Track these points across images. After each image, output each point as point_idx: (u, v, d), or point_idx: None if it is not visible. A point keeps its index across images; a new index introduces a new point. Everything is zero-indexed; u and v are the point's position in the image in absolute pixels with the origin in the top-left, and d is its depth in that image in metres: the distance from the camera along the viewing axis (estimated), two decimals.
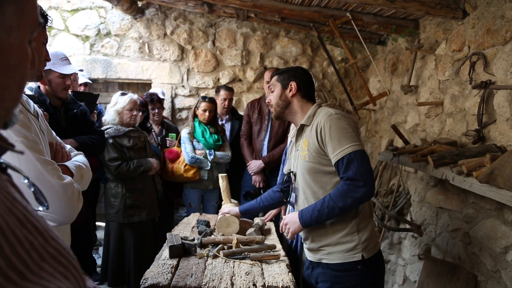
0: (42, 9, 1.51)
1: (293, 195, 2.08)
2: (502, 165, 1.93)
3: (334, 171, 1.85)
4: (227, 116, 4.24)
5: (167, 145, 3.97)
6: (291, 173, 2.06)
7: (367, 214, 1.93)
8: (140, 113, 3.31)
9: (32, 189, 0.65)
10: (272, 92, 2.08)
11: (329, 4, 3.76)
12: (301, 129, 2.02)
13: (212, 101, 3.82)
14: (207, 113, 3.75)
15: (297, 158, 2.01)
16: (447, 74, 3.15)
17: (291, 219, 1.94)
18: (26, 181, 0.62)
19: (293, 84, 2.01)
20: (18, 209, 0.46)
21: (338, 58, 4.90)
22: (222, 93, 4.11)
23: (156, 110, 3.95)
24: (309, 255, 2.03)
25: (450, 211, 2.90)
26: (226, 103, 4.12)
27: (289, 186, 2.17)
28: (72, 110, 2.70)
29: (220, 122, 4.19)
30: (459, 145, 2.85)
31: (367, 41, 4.36)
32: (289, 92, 2.01)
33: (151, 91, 4.29)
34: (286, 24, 4.57)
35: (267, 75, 3.76)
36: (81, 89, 3.88)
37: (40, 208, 0.67)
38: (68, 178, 1.35)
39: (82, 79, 3.93)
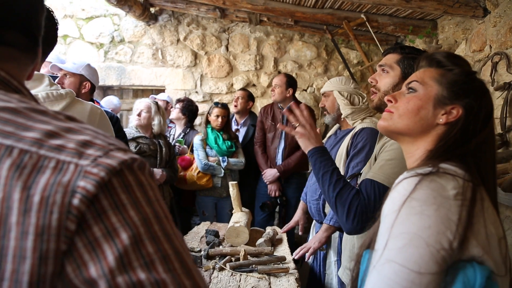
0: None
1: None
2: None
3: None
4: (243, 121, 4.16)
5: (176, 151, 3.93)
6: (359, 175, 1.82)
7: None
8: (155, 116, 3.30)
9: None
10: (384, 72, 1.57)
11: (343, 6, 3.67)
12: (382, 135, 1.66)
13: (224, 107, 3.74)
14: (219, 119, 3.68)
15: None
16: None
17: (311, 138, 1.57)
18: None
19: None
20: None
21: (354, 61, 4.78)
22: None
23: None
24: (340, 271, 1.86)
25: None
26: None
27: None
28: None
29: (236, 127, 4.13)
30: None
31: (383, 43, 4.24)
32: None
33: (157, 96, 4.35)
34: (300, 27, 4.49)
35: (276, 79, 3.66)
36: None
37: None
38: None
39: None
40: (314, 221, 2.62)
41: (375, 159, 1.52)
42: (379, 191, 1.38)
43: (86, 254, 0.43)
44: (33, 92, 1.33)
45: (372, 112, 2.37)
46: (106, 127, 1.49)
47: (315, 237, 2.23)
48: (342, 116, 2.41)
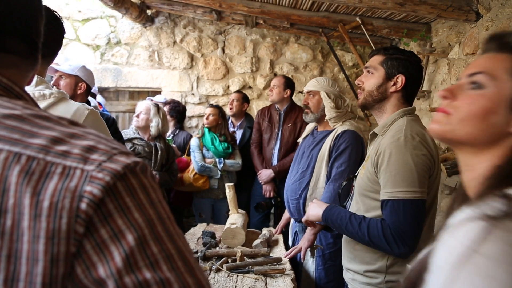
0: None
1: (349, 201, 1.87)
2: None
3: None
4: (239, 123, 4.18)
5: None
6: (354, 178, 1.83)
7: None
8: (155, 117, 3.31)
9: None
10: (369, 73, 1.61)
11: (338, 9, 3.70)
12: (373, 137, 1.67)
13: (215, 106, 3.79)
14: (206, 116, 3.71)
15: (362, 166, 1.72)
16: None
17: (315, 206, 1.74)
18: None
19: (400, 78, 1.54)
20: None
21: (350, 64, 4.82)
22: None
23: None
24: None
25: None
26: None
27: (348, 189, 1.97)
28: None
29: (232, 129, 4.14)
30: None
31: (378, 46, 4.27)
32: (392, 86, 1.56)
33: (154, 98, 4.32)
34: (296, 30, 4.52)
35: (274, 80, 3.70)
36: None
37: None
38: None
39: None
40: (292, 220, 2.64)
41: (372, 163, 1.53)
42: (403, 208, 1.40)
43: (95, 255, 0.44)
44: None
45: (350, 116, 2.51)
46: (97, 127, 1.46)
47: (304, 237, 2.26)
48: (326, 118, 2.46)
